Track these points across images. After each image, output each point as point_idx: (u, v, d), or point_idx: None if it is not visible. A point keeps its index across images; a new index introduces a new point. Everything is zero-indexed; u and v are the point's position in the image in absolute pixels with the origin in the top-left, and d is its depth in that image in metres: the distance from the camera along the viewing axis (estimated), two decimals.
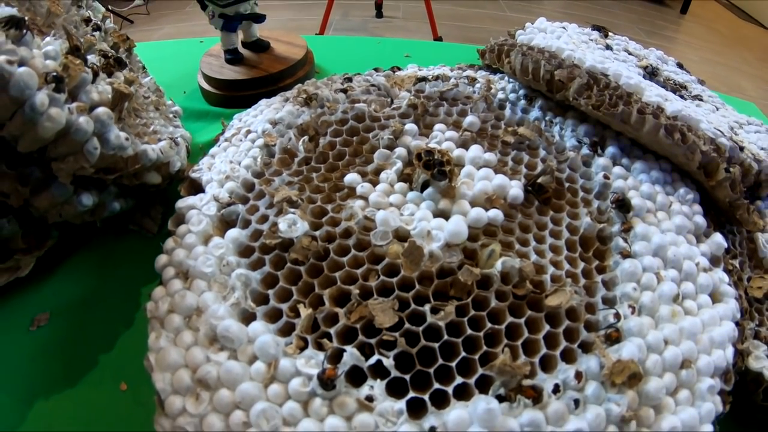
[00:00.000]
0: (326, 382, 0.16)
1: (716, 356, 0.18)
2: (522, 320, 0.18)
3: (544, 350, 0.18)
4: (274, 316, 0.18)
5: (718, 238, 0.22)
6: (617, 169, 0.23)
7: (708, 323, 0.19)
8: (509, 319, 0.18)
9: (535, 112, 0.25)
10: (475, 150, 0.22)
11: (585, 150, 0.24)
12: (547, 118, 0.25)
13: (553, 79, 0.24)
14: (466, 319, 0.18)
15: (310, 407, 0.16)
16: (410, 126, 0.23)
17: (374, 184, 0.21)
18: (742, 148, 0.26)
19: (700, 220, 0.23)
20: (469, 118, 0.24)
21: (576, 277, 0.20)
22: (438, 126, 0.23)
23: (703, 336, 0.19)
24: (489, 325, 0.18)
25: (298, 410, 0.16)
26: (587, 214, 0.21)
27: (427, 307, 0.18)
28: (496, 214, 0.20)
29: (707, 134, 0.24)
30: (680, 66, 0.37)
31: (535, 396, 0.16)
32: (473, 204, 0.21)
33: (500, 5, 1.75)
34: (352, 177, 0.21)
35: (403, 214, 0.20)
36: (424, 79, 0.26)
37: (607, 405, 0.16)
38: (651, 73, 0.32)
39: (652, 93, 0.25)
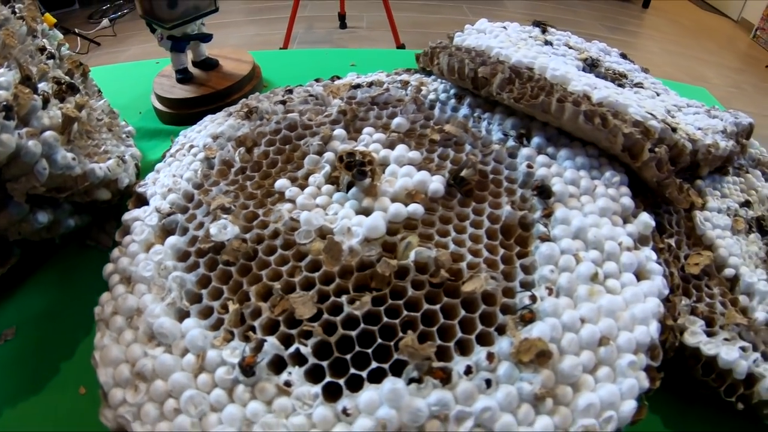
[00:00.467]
0: (246, 369, 0.17)
1: (639, 332, 0.18)
2: (437, 307, 0.18)
3: (459, 334, 0.18)
4: (206, 313, 0.19)
5: (644, 217, 0.22)
6: (541, 158, 0.23)
7: (631, 300, 0.19)
8: (425, 306, 0.18)
9: (464, 110, 0.26)
10: (399, 149, 0.23)
11: (511, 142, 0.24)
12: (475, 115, 0.26)
13: (477, 76, 0.25)
14: (383, 308, 0.18)
15: (234, 393, 0.17)
16: (339, 131, 0.24)
17: (303, 188, 0.22)
18: (674, 129, 0.26)
19: (627, 201, 0.23)
20: (397, 120, 0.25)
21: (495, 264, 0.20)
22: (367, 129, 0.24)
23: (624, 313, 0.19)
24: (405, 313, 0.18)
25: (224, 396, 0.17)
26: (508, 203, 0.22)
27: (344, 299, 0.18)
28: (415, 208, 0.21)
29: (635, 117, 0.25)
30: (623, 56, 0.38)
31: (444, 377, 0.16)
32: (394, 200, 0.21)
33: (463, 10, 1.76)
34: (281, 182, 0.22)
35: (328, 214, 0.21)
36: (358, 86, 0.27)
37: (520, 384, 0.16)
38: (591, 65, 0.33)
39: (580, 82, 0.25)
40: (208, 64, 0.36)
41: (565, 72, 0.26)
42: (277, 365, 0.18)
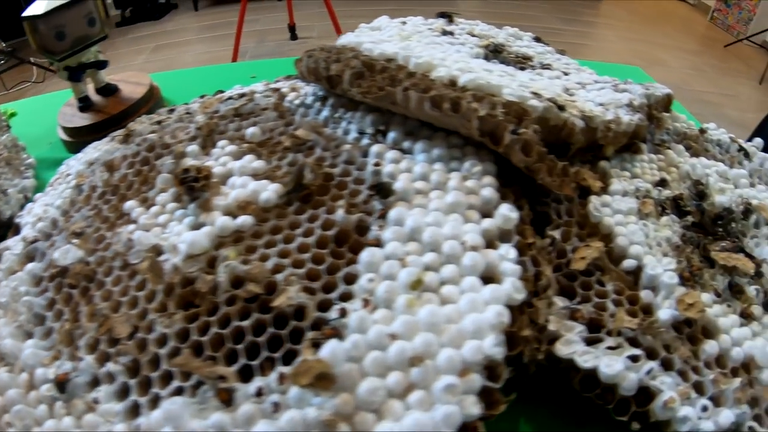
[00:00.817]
0: (60, 385, 0.17)
1: (467, 348, 0.16)
2: (248, 323, 0.17)
3: (265, 353, 0.17)
4: (47, 333, 0.20)
5: (503, 210, 0.19)
6: (390, 154, 0.21)
7: (466, 310, 0.17)
8: (234, 323, 0.17)
9: (325, 112, 0.24)
10: (243, 160, 0.22)
11: (365, 140, 0.22)
12: (336, 115, 0.24)
13: (330, 75, 0.23)
14: (194, 325, 0.18)
15: (53, 409, 0.17)
16: (191, 148, 0.23)
17: (150, 207, 0.22)
18: (562, 107, 0.23)
19: (488, 193, 0.20)
20: (251, 130, 0.24)
21: (318, 275, 0.18)
22: (221, 143, 0.24)
23: (452, 326, 0.16)
24: (214, 330, 0.17)
25: (46, 411, 0.17)
26: (344, 207, 0.20)
27: (155, 316, 0.18)
28: (244, 220, 0.20)
29: (509, 98, 0.22)
30: (537, 40, 0.35)
31: (226, 398, 0.15)
32: (226, 213, 0.20)
33: (416, 12, 1.74)
34: (129, 204, 0.22)
35: (165, 232, 0.21)
36: (229, 98, 0.27)
37: (307, 409, 0.15)
38: (494, 51, 0.30)
39: (449, 68, 0.23)
40: (109, 90, 0.38)
41: (431, 59, 0.23)
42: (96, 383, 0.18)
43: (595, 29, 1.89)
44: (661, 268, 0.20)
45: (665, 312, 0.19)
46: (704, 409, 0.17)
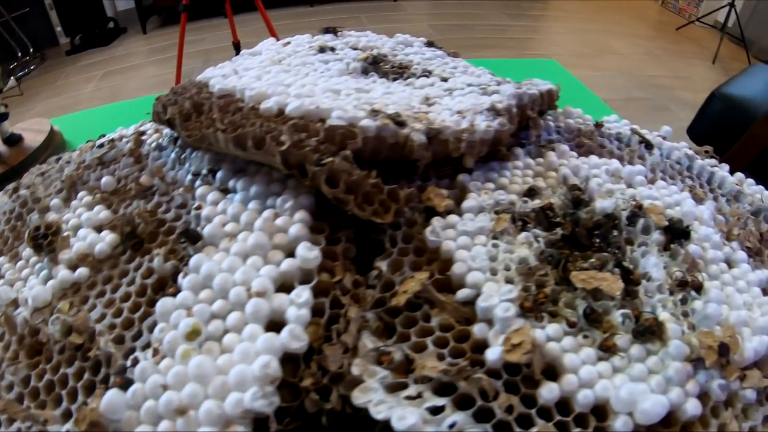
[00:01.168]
0: None
1: (230, 401, 0.16)
2: (71, 370, 0.19)
3: (81, 398, 0.18)
4: None
5: (300, 249, 0.19)
6: (212, 195, 0.22)
7: (238, 360, 0.17)
8: (62, 370, 0.19)
9: (173, 154, 0.25)
10: (92, 212, 0.24)
11: (198, 182, 0.23)
12: (182, 156, 0.25)
13: (169, 119, 0.24)
14: (35, 372, 0.19)
15: None
16: (54, 201, 0.25)
17: (17, 262, 0.24)
18: (401, 123, 0.22)
19: (295, 230, 0.20)
20: (104, 180, 0.25)
21: (132, 323, 0.19)
22: (80, 194, 0.25)
23: (219, 377, 0.16)
24: (47, 376, 0.19)
25: None
26: (161, 255, 0.21)
27: (5, 365, 0.20)
28: (80, 272, 0.21)
29: (336, 123, 0.21)
30: (430, 44, 0.33)
31: None
32: (68, 266, 0.22)
33: (361, 20, 1.73)
34: (0, 260, 0.25)
35: (25, 286, 0.23)
36: (101, 145, 0.28)
37: None
38: (372, 63, 0.30)
39: (281, 97, 0.23)
40: (13, 140, 0.41)
41: (264, 89, 0.23)
42: None
43: (544, 23, 1.95)
44: (498, 297, 0.19)
45: (493, 351, 0.18)
46: None
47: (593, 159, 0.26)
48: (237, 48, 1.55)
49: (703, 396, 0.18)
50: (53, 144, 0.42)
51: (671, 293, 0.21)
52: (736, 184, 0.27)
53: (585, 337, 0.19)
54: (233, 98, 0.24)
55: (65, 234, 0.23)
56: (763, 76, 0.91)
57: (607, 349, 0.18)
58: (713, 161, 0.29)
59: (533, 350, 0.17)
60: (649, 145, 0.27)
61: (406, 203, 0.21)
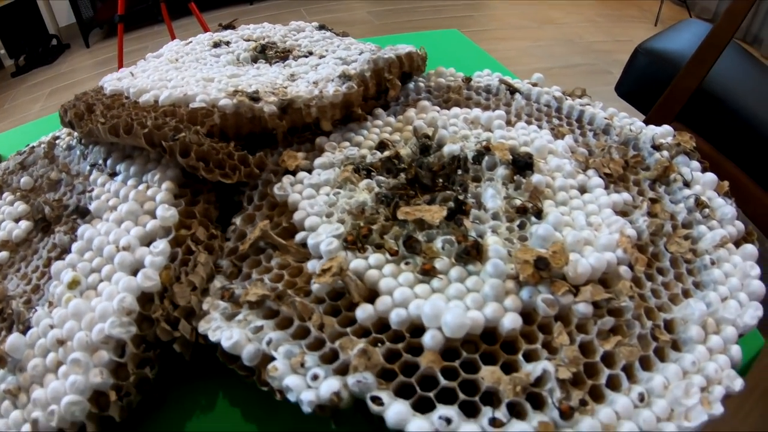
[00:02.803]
0: None
1: (95, 330, 0.22)
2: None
3: None
4: None
5: (159, 210, 0.25)
6: (101, 179, 0.29)
7: (107, 298, 0.23)
8: None
9: (78, 150, 0.33)
10: (13, 207, 0.31)
11: (94, 172, 0.30)
12: (86, 152, 0.32)
13: (69, 120, 0.31)
14: None
15: None
16: None
17: None
18: (256, 99, 0.28)
19: (161, 197, 0.27)
20: (23, 180, 0.33)
21: (38, 287, 0.26)
22: (4, 195, 0.33)
23: (89, 314, 0.23)
24: None
25: None
26: (63, 231, 0.28)
27: None
28: (1, 255, 0.29)
29: (198, 105, 0.28)
30: (321, 27, 0.40)
31: None
32: None
33: (301, 13, 1.86)
34: None
35: None
36: (18, 153, 0.36)
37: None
38: (260, 51, 0.36)
39: (160, 90, 0.30)
40: None
41: (144, 86, 0.30)
42: None
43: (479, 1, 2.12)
44: (325, 235, 0.24)
45: (317, 285, 0.23)
46: (314, 377, 0.20)
47: (454, 110, 0.30)
48: None
49: (533, 313, 0.22)
50: None
51: (510, 220, 0.25)
52: (606, 119, 0.31)
53: (407, 263, 0.23)
54: (120, 96, 0.31)
55: None
56: (689, 29, 0.93)
57: (426, 273, 0.23)
58: (586, 100, 0.32)
59: (341, 274, 0.22)
60: (514, 91, 0.31)
61: (259, 167, 0.27)
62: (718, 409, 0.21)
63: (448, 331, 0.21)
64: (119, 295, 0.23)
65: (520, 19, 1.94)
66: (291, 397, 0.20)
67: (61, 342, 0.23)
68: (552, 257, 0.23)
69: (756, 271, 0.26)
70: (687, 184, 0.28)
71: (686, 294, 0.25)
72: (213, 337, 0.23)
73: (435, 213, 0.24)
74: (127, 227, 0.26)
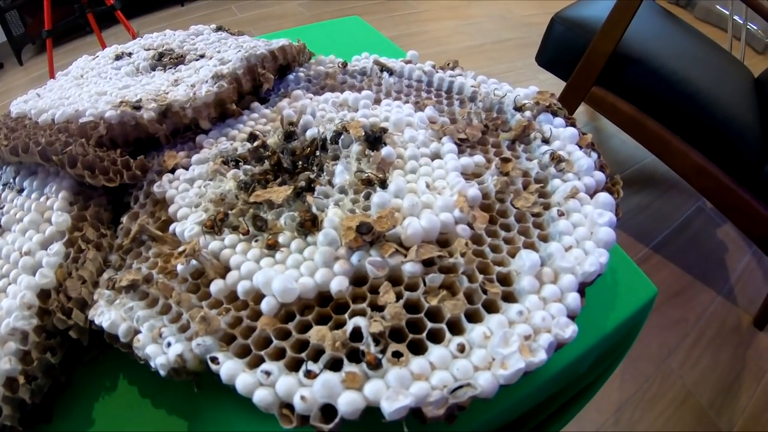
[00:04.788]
0: None
1: (2, 325, 0.28)
2: None
3: None
4: None
5: (53, 217, 0.31)
6: (10, 195, 0.35)
7: (12, 297, 0.29)
8: None
9: None
10: None
11: (5, 191, 0.36)
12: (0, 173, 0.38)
13: None
14: None
15: None
16: None
17: None
18: (138, 107, 0.33)
19: (57, 205, 0.32)
20: None
21: None
22: None
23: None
24: None
25: None
26: None
27: None
28: None
29: (86, 119, 0.34)
30: (219, 29, 0.44)
31: None
32: None
33: (232, 11, 1.91)
34: None
35: None
36: None
37: None
38: (158, 59, 0.41)
39: (58, 108, 0.36)
40: None
41: (44, 106, 0.36)
42: None
43: None
44: (189, 223, 0.29)
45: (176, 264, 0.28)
46: (168, 345, 0.25)
47: (325, 96, 0.34)
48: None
49: (367, 276, 0.26)
50: None
51: (357, 192, 0.29)
52: (473, 87, 0.34)
53: (256, 241, 0.28)
54: (23, 118, 0.37)
55: None
56: None
57: (270, 247, 0.27)
58: (458, 71, 0.36)
59: (194, 255, 0.27)
60: (388, 71, 0.35)
61: (141, 170, 0.32)
62: (540, 356, 0.23)
63: (279, 296, 0.25)
64: (21, 292, 0.29)
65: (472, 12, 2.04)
66: (152, 364, 0.26)
67: None
68: (376, 222, 0.26)
69: (605, 218, 0.28)
70: (546, 141, 0.31)
71: (531, 247, 0.28)
72: (97, 320, 0.28)
73: (281, 192, 0.29)
74: (30, 235, 0.32)
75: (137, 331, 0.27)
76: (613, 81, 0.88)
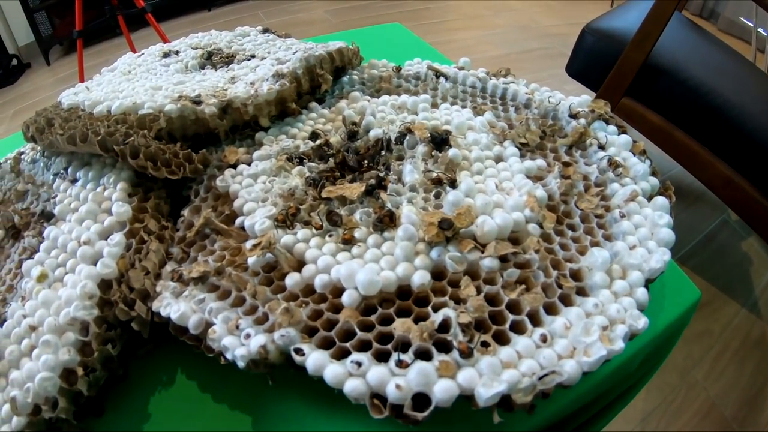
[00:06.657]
0: None
1: (63, 315, 0.28)
2: None
3: None
4: None
5: (114, 207, 0.31)
6: (63, 185, 0.35)
7: (71, 286, 0.29)
8: None
9: (42, 162, 0.39)
10: None
11: (57, 180, 0.36)
12: (49, 163, 0.38)
13: (31, 135, 0.38)
14: None
15: None
16: None
17: None
18: (198, 102, 0.34)
19: (116, 196, 0.32)
20: None
21: (11, 287, 0.32)
22: None
23: (56, 302, 0.29)
24: None
25: None
26: (31, 234, 0.34)
27: None
28: None
29: (146, 112, 0.34)
30: (265, 30, 0.46)
31: None
32: None
33: (259, 16, 2.00)
34: None
35: None
36: None
37: None
38: (207, 58, 0.42)
39: (112, 101, 0.36)
40: None
41: (98, 98, 0.37)
42: None
43: None
44: (259, 216, 0.30)
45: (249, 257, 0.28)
46: (247, 336, 0.26)
47: (383, 98, 0.36)
48: None
49: (445, 270, 0.27)
50: None
51: (427, 191, 0.30)
52: (527, 94, 0.36)
53: (330, 235, 0.29)
54: (77, 109, 0.37)
55: None
56: (636, 8, 1.03)
57: (347, 242, 0.28)
58: (510, 79, 0.38)
59: (270, 248, 0.28)
60: (440, 76, 0.37)
61: (202, 163, 0.33)
62: (619, 345, 0.25)
63: (362, 289, 0.26)
64: (81, 282, 0.29)
65: (476, 8, 2.14)
66: (228, 356, 0.26)
67: (33, 328, 0.29)
68: (456, 218, 0.28)
69: (665, 220, 0.31)
70: (602, 147, 0.33)
71: (596, 246, 0.30)
72: (164, 312, 0.28)
73: (354, 189, 0.30)
74: (87, 225, 0.32)
75: (209, 323, 0.27)
76: (642, 91, 0.91)
